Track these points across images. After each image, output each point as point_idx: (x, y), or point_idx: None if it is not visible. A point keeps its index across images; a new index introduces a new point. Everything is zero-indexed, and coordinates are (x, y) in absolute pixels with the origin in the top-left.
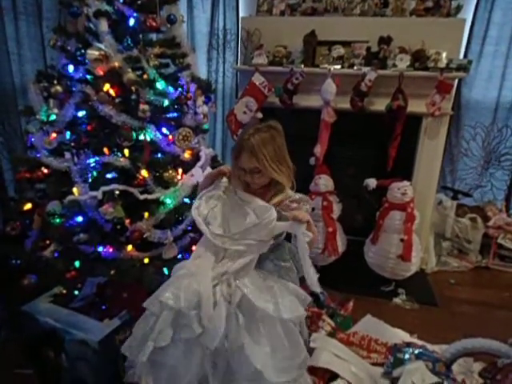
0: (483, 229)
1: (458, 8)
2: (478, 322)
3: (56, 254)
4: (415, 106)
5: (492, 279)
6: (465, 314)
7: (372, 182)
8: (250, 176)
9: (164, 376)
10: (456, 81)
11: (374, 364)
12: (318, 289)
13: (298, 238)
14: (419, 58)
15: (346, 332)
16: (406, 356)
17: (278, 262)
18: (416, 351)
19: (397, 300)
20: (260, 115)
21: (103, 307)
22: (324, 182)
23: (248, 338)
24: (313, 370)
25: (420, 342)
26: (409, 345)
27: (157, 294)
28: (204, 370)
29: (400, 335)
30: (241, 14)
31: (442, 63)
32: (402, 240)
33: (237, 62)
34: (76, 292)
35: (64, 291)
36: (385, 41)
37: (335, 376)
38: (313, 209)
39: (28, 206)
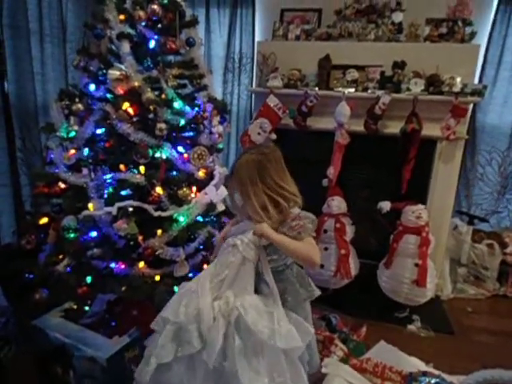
0: (501, 255)
1: (472, 34)
2: (496, 351)
3: (68, 269)
4: (430, 130)
5: (510, 308)
6: (483, 343)
7: (386, 205)
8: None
9: None
10: (471, 105)
11: None
12: (278, 301)
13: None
14: (433, 83)
15: (359, 358)
16: None
17: (282, 284)
18: (433, 381)
19: (411, 327)
20: (274, 136)
21: (113, 324)
22: (337, 203)
23: (245, 364)
24: None
25: (436, 372)
26: (425, 374)
27: (160, 313)
28: None
29: (415, 363)
30: (256, 39)
31: (457, 87)
32: (416, 265)
33: (251, 85)
34: (87, 308)
35: (75, 307)
36: (399, 65)
37: None
38: (325, 231)
39: (44, 220)
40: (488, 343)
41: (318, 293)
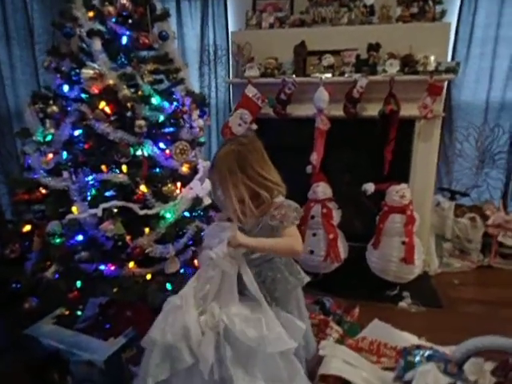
0: (483, 228)
1: (443, 12)
2: (485, 321)
3: (57, 275)
4: (408, 110)
5: (495, 277)
6: (471, 313)
7: (370, 187)
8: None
9: None
10: (446, 83)
11: (384, 369)
12: (264, 305)
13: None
14: (408, 63)
15: (354, 338)
16: (417, 358)
17: (272, 272)
18: (426, 353)
19: (402, 304)
20: (255, 126)
21: (107, 326)
22: (322, 189)
23: (240, 370)
24: (324, 378)
25: (429, 344)
26: (419, 347)
27: (148, 333)
28: None
29: (408, 338)
30: (230, 29)
31: (431, 66)
32: (403, 243)
33: (229, 76)
34: (79, 313)
35: (67, 312)
36: (373, 48)
37: (347, 383)
38: (312, 216)
39: (27, 227)
40: (476, 313)
41: (307, 279)
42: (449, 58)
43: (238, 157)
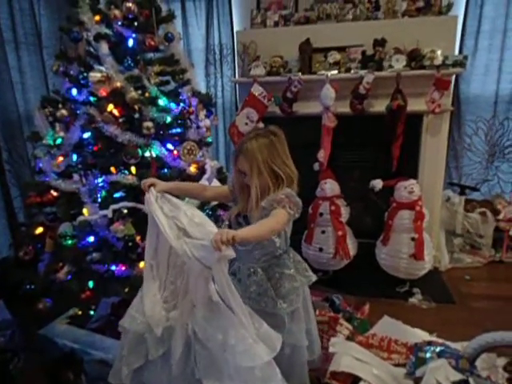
0: (494, 222)
1: (449, 6)
2: (496, 316)
3: (69, 276)
4: (415, 105)
5: (507, 272)
6: (483, 309)
7: (378, 183)
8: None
9: None
10: (453, 77)
11: (395, 365)
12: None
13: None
14: (415, 58)
15: (364, 335)
16: (428, 355)
17: (280, 269)
18: (438, 349)
19: (413, 300)
20: (262, 125)
21: None
22: (330, 186)
23: (210, 372)
24: (335, 375)
25: (440, 340)
26: (430, 343)
27: (121, 320)
28: None
29: (419, 334)
30: (235, 29)
31: (438, 60)
32: (412, 239)
33: (234, 76)
34: (92, 312)
35: (80, 312)
36: (379, 43)
37: (357, 380)
38: (321, 214)
39: (40, 229)
40: (488, 309)
41: (314, 278)
42: (456, 52)
43: (271, 147)
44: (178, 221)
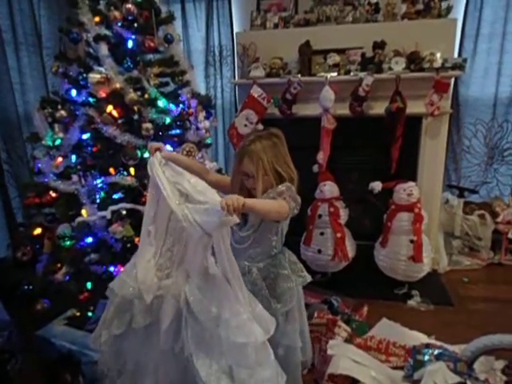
0: (492, 225)
1: (448, 9)
2: (495, 319)
3: (67, 277)
4: (414, 107)
5: (506, 275)
6: (481, 311)
7: (377, 185)
8: (252, 180)
9: (129, 368)
10: (453, 79)
11: (393, 368)
12: (246, 301)
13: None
14: (414, 60)
15: (362, 337)
16: (426, 357)
17: (275, 268)
18: (436, 352)
19: (411, 302)
20: (261, 127)
21: None
22: (329, 188)
23: (201, 352)
24: (333, 378)
25: (439, 343)
26: (428, 346)
27: (111, 283)
28: (170, 376)
29: (418, 337)
30: (235, 30)
31: (438, 63)
32: (411, 241)
33: (234, 77)
34: (90, 314)
35: (78, 313)
36: (379, 45)
37: (356, 382)
38: (320, 215)
39: (38, 230)
40: (486, 311)
41: (309, 278)
42: (455, 55)
43: (275, 148)
44: (180, 186)
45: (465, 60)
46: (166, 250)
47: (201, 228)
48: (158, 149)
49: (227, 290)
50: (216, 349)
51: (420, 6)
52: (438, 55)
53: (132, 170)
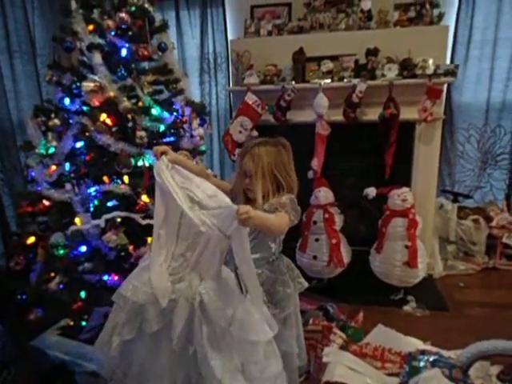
0: (487, 229)
1: (440, 16)
2: (491, 323)
3: (61, 286)
4: (407, 113)
5: (501, 279)
6: (477, 316)
7: (372, 191)
8: (249, 180)
9: (135, 370)
10: (445, 85)
11: (389, 374)
12: (260, 302)
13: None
14: (407, 67)
15: (358, 344)
16: (422, 364)
17: (273, 274)
18: (431, 358)
19: (407, 308)
20: (255, 133)
21: None
22: (324, 194)
23: (215, 347)
24: None
25: (435, 349)
26: (423, 352)
27: (119, 288)
28: (175, 377)
29: (413, 343)
30: (229, 38)
31: (430, 69)
32: (406, 247)
33: (229, 84)
34: (84, 323)
35: (71, 323)
36: (372, 52)
37: None
38: (315, 222)
39: (31, 239)
40: (482, 316)
41: (306, 285)
42: (448, 61)
43: (278, 155)
44: (191, 193)
45: (457, 66)
46: (179, 255)
47: (220, 231)
48: (164, 152)
49: (239, 294)
50: (228, 347)
51: (412, 14)
52: (431, 62)
53: (126, 179)
